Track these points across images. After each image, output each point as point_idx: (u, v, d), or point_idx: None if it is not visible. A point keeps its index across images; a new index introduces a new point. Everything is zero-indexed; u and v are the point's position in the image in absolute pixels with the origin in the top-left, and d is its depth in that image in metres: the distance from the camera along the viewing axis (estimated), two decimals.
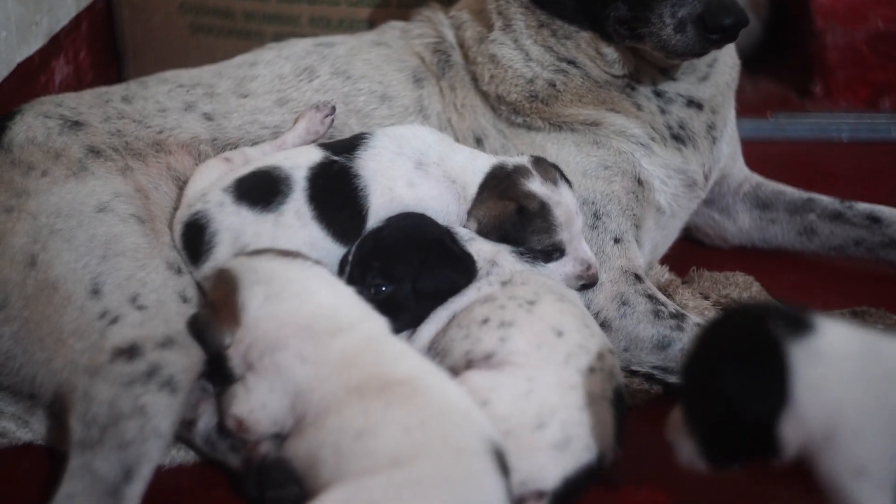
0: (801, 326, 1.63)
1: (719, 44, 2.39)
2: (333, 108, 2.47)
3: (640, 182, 2.52)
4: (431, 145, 2.37)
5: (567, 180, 2.37)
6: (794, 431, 1.61)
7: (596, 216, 2.47)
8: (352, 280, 2.20)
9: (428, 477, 1.70)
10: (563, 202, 2.31)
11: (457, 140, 2.53)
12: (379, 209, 2.29)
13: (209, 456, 2.16)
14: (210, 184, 2.31)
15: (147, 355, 2.02)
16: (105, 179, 2.27)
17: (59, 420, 2.06)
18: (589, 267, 2.33)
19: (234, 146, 2.47)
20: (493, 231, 2.31)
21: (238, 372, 2.03)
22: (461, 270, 2.23)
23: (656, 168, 2.54)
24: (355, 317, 2.04)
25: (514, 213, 2.30)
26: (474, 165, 2.37)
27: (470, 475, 1.73)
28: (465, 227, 2.33)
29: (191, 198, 2.31)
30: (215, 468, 2.16)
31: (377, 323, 2.05)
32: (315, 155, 2.32)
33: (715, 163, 2.67)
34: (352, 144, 2.35)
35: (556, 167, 2.38)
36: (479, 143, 2.55)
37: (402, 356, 1.98)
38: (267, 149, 2.43)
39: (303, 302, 2.04)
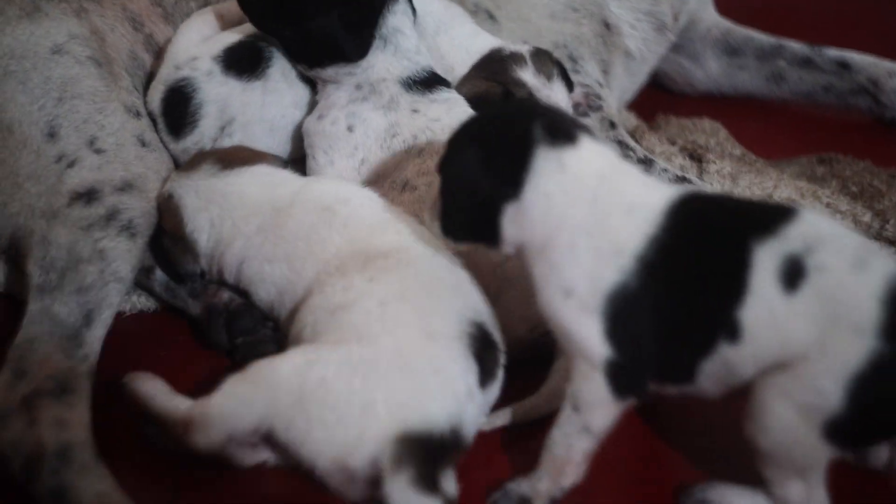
0: (562, 136, 1.63)
1: None
2: None
3: (607, 25, 2.49)
4: (432, 14, 2.29)
5: (568, 80, 2.28)
6: (513, 228, 1.63)
7: (572, 59, 2.44)
8: None
9: (385, 359, 1.65)
10: (553, 98, 2.23)
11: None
12: None
13: (169, 303, 2.16)
14: (201, 41, 2.26)
15: (105, 199, 1.99)
16: (60, 21, 2.20)
17: (18, 266, 2.04)
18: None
19: None
20: (473, 109, 2.20)
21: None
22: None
23: (625, 11, 2.51)
24: (303, 188, 2.01)
25: (500, 98, 2.21)
26: (471, 45, 2.29)
27: (432, 362, 1.66)
28: None
29: (178, 58, 2.24)
30: (177, 315, 2.16)
31: (337, 189, 2.01)
32: None
33: (684, 4, 2.64)
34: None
35: (558, 63, 2.28)
36: None
37: (385, 225, 1.91)
38: None
39: (244, 209, 2.00)
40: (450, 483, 1.63)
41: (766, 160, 2.58)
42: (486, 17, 2.45)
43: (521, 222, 1.63)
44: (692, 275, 1.58)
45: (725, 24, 2.90)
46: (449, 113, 2.10)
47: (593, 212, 1.61)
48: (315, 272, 1.87)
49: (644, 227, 1.59)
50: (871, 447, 1.70)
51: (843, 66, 2.80)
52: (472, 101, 2.18)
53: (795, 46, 2.86)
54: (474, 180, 1.64)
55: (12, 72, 2.10)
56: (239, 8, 2.24)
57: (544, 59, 2.27)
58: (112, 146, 2.07)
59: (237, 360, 1.99)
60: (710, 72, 2.91)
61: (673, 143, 2.64)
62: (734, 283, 1.55)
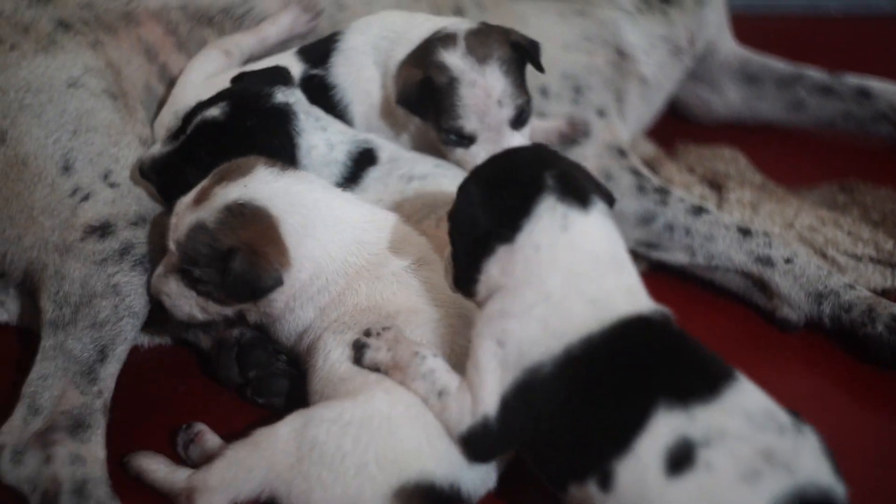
0: (575, 195, 1.59)
1: None
2: (319, 14, 2.39)
3: (622, 53, 2.48)
4: (395, 30, 2.17)
5: (516, 64, 2.05)
6: (497, 271, 1.59)
7: (577, 90, 2.42)
8: None
9: (377, 417, 1.63)
10: (481, 83, 2.00)
11: (437, 9, 2.42)
12: (363, 117, 2.18)
13: (181, 337, 2.15)
14: (206, 80, 2.22)
15: (119, 233, 1.98)
16: (75, 54, 2.21)
17: (33, 300, 2.03)
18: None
19: (205, 14, 2.38)
20: (401, 103, 2.08)
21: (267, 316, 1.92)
22: None
23: (640, 37, 2.50)
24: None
25: (417, 84, 2.04)
26: (415, 34, 2.11)
27: (425, 418, 1.63)
28: None
29: (178, 102, 2.21)
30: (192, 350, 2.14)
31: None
32: (295, 70, 2.17)
33: (700, 28, 2.63)
34: (326, 50, 2.20)
35: (517, 46, 2.05)
36: (459, 12, 2.47)
37: (407, 288, 1.85)
38: (251, 41, 2.33)
39: (336, 231, 1.86)
40: None
41: (786, 188, 2.56)
42: None
43: (504, 267, 1.58)
44: (595, 399, 1.51)
45: (744, 52, 2.89)
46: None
47: (566, 285, 1.56)
48: (336, 315, 1.83)
49: (590, 326, 1.53)
50: None
51: (864, 93, 2.78)
52: (400, 96, 2.08)
53: (815, 74, 2.84)
54: (474, 215, 1.60)
55: (28, 105, 2.10)
56: (247, 43, 2.25)
57: (484, 40, 2.03)
58: (126, 180, 2.06)
59: (249, 395, 1.98)
60: (729, 100, 2.89)
61: (692, 171, 2.61)
62: (624, 432, 1.46)
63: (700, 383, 1.49)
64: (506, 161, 1.68)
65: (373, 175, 2.06)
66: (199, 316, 1.90)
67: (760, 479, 1.41)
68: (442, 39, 2.04)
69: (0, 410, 1.86)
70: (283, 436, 1.64)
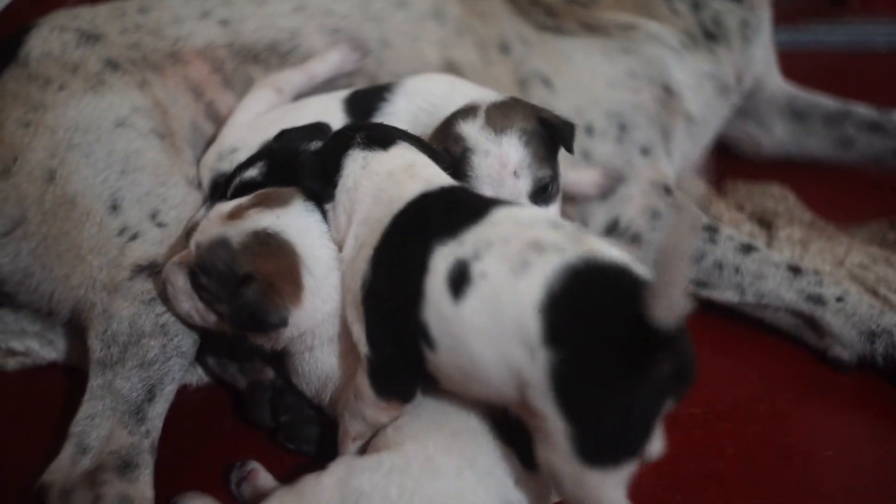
0: (376, 142, 1.82)
1: None
2: (367, 53, 2.41)
3: (668, 90, 2.46)
4: (434, 103, 2.15)
5: (541, 139, 1.95)
6: (341, 223, 1.78)
7: (621, 128, 2.41)
8: None
9: (415, 463, 1.63)
10: (495, 153, 1.91)
11: (482, 47, 2.43)
12: None
13: (220, 377, 2.15)
14: (253, 121, 2.23)
15: None
16: (123, 93, 2.22)
17: (81, 338, 2.03)
18: None
19: (251, 51, 2.39)
20: None
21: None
22: None
23: (687, 75, 2.48)
24: None
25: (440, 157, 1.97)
26: (451, 109, 2.04)
27: (461, 458, 1.64)
28: None
29: (224, 143, 2.21)
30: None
31: None
32: (339, 121, 2.15)
33: (747, 65, 2.61)
34: (372, 107, 2.18)
35: (532, 116, 1.96)
36: (504, 50, 2.47)
37: None
38: (301, 78, 2.34)
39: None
40: None
41: (836, 226, 2.54)
42: (542, 84, 2.43)
43: (339, 219, 1.75)
44: (396, 274, 1.59)
45: (791, 88, 2.88)
46: None
47: (373, 205, 1.71)
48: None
49: (384, 224, 1.64)
50: (636, 452, 1.46)
51: None
52: None
53: (863, 111, 2.82)
54: (311, 187, 1.83)
55: (76, 144, 2.11)
56: (297, 81, 2.26)
57: (507, 112, 1.97)
58: (174, 220, 2.07)
59: (280, 439, 1.97)
60: (777, 137, 2.88)
61: (741, 208, 2.59)
62: (416, 284, 1.54)
63: (468, 216, 1.58)
64: (332, 137, 1.91)
65: None
66: (196, 319, 1.88)
67: (530, 267, 1.45)
68: (464, 112, 1.99)
69: (48, 449, 1.87)
70: (327, 486, 1.63)
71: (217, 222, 1.82)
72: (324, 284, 1.78)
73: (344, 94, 2.25)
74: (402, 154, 1.80)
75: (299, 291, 1.77)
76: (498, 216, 1.56)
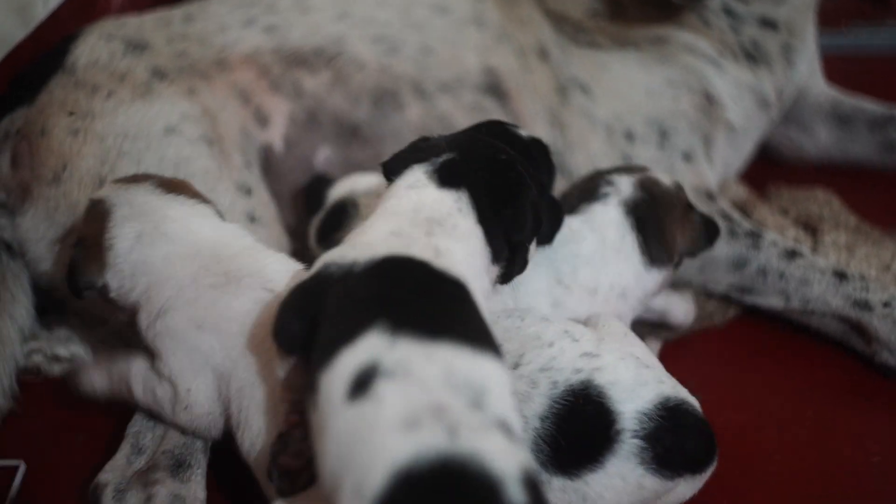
0: (443, 172, 1.70)
1: None
2: None
3: (708, 98, 2.46)
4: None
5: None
6: None
7: (662, 134, 2.42)
8: None
9: None
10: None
11: (522, 53, 2.44)
12: None
13: None
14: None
15: None
16: (172, 101, 2.25)
17: (129, 344, 2.05)
18: None
19: (297, 55, 2.43)
20: None
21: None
22: None
23: (727, 85, 2.48)
24: (252, 263, 1.77)
25: None
26: None
27: None
28: None
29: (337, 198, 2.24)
30: None
31: (283, 266, 1.78)
32: None
33: (789, 83, 2.61)
34: None
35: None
36: (543, 56, 2.48)
37: None
38: None
39: (181, 245, 1.79)
40: None
41: (881, 230, 2.52)
42: (581, 91, 2.44)
43: None
44: (339, 312, 1.45)
45: (835, 93, 2.87)
46: None
47: (399, 217, 1.64)
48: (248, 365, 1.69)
49: (367, 255, 1.55)
50: None
51: None
52: None
53: None
54: None
55: (126, 152, 2.13)
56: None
57: None
58: None
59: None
60: (820, 142, 2.87)
61: (786, 214, 2.59)
62: (335, 342, 1.37)
63: (426, 322, 1.38)
64: None
65: None
66: None
67: (416, 429, 1.23)
68: None
69: (106, 449, 1.90)
70: None
71: (113, 183, 1.91)
72: (135, 250, 1.79)
73: None
74: (439, 201, 1.68)
75: (104, 254, 1.80)
76: (443, 354, 1.35)
